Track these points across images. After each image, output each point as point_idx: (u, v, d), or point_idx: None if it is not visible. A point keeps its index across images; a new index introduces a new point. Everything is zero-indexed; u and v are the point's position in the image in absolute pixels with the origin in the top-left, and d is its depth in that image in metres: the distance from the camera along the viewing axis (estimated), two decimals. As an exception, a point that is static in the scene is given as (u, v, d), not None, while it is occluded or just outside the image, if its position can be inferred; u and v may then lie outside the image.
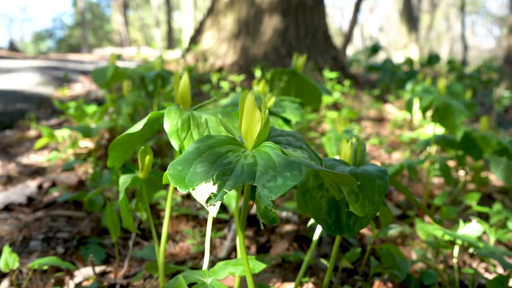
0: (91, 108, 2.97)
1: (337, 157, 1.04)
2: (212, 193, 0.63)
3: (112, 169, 1.13)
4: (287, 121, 1.59)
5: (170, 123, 0.95)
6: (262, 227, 0.66)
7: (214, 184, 0.64)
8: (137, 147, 1.16)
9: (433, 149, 2.38)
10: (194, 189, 0.64)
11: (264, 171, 0.65)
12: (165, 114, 0.97)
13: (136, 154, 2.31)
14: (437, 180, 2.83)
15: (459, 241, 1.43)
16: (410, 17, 14.17)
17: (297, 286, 1.20)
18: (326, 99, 3.61)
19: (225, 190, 0.63)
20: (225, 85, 3.88)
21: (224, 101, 1.57)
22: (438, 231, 1.65)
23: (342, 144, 1.06)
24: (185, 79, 1.04)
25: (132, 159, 2.48)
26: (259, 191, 0.62)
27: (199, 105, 1.09)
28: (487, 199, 2.55)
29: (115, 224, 1.42)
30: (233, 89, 4.57)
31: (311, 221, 1.32)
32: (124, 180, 1.09)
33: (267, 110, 0.72)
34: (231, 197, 1.88)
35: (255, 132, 0.72)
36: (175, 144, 0.93)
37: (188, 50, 6.47)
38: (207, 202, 0.63)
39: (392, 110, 5.19)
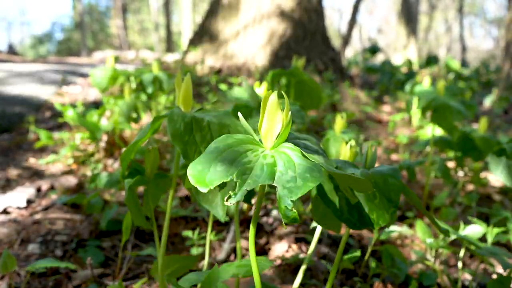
0: (92, 114, 2.95)
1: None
2: (232, 191, 0.63)
3: (124, 176, 1.13)
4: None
5: (173, 126, 0.96)
6: (285, 227, 0.66)
7: (234, 182, 0.64)
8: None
9: (431, 150, 2.37)
10: (214, 187, 0.65)
11: (284, 171, 0.66)
12: (167, 117, 0.97)
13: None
14: (436, 181, 2.83)
15: (465, 242, 1.43)
16: (409, 19, 14.19)
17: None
18: (325, 100, 3.61)
19: (245, 188, 0.63)
20: (223, 87, 3.88)
21: (231, 91, 1.59)
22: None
23: (341, 146, 1.06)
24: (187, 82, 1.04)
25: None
26: (279, 192, 0.63)
27: (200, 107, 1.09)
28: (486, 200, 2.55)
29: (127, 226, 1.42)
30: (232, 91, 4.56)
31: (314, 223, 1.31)
32: (129, 180, 1.10)
33: (289, 112, 0.72)
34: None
35: (275, 133, 0.72)
36: (178, 146, 0.93)
37: (187, 52, 6.47)
38: (227, 200, 0.63)
39: (391, 111, 5.19)
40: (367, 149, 0.99)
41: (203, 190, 0.64)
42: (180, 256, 1.25)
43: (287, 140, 0.77)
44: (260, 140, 0.76)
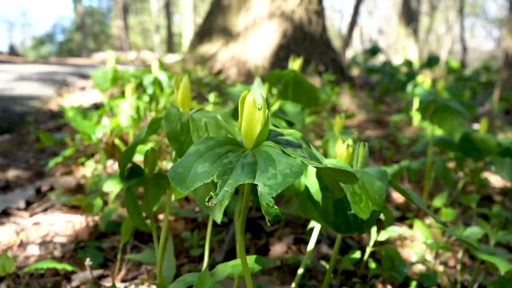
0: (92, 115, 2.95)
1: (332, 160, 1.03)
2: (213, 192, 0.63)
3: (123, 177, 1.13)
4: (290, 124, 1.60)
5: (169, 126, 0.96)
6: (268, 224, 0.67)
7: (215, 183, 0.64)
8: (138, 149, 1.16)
9: (431, 150, 2.37)
10: (194, 189, 0.64)
11: (264, 169, 0.66)
12: (164, 117, 0.97)
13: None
14: (436, 182, 2.83)
15: (465, 243, 1.42)
16: (409, 20, 14.19)
17: (295, 288, 1.19)
18: (323, 101, 3.61)
19: (225, 189, 0.63)
20: (225, 88, 3.88)
21: (234, 89, 1.59)
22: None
23: (338, 145, 1.05)
24: (185, 82, 1.04)
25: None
26: (260, 189, 0.63)
27: (199, 108, 1.09)
28: (486, 200, 2.54)
29: (127, 229, 1.42)
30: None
31: (311, 224, 1.31)
32: (128, 181, 1.10)
33: (267, 110, 0.72)
34: (231, 200, 1.88)
35: (255, 132, 0.73)
36: (174, 147, 0.93)
37: (187, 53, 6.48)
38: (208, 201, 0.63)
39: (391, 112, 5.18)
40: (358, 149, 0.99)
41: (183, 192, 0.64)
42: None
43: (268, 138, 0.77)
44: (241, 140, 0.76)
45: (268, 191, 0.62)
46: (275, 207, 0.62)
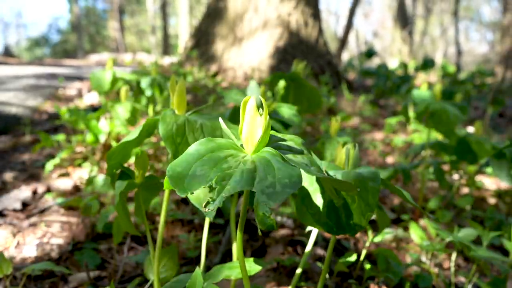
0: (90, 116, 2.95)
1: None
2: (211, 197, 0.63)
3: (111, 176, 1.13)
4: (286, 126, 1.61)
5: (165, 127, 0.96)
6: (259, 233, 0.66)
7: (213, 189, 0.64)
8: (133, 152, 1.17)
9: (427, 153, 2.39)
10: (192, 193, 0.64)
11: (264, 177, 0.65)
12: (160, 119, 0.98)
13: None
14: (431, 184, 2.85)
15: (459, 244, 1.44)
16: (405, 23, 14.28)
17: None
18: (322, 104, 3.63)
19: (223, 195, 0.63)
20: (220, 90, 3.89)
21: (229, 92, 1.60)
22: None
23: (338, 149, 1.06)
24: (180, 84, 1.05)
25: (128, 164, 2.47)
26: (258, 197, 0.62)
27: (195, 110, 1.09)
28: (481, 202, 2.57)
29: (119, 229, 1.42)
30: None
31: (309, 227, 1.32)
32: (119, 184, 1.10)
33: (268, 116, 0.72)
34: (228, 201, 1.88)
35: (256, 138, 0.72)
36: (169, 148, 0.93)
37: (183, 55, 6.49)
38: (205, 206, 0.63)
39: (387, 115, 5.21)
40: (349, 151, 1.00)
41: (182, 195, 0.64)
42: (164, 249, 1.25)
43: (269, 143, 0.77)
44: (241, 144, 0.76)
45: (266, 200, 0.62)
46: (271, 217, 0.61)
